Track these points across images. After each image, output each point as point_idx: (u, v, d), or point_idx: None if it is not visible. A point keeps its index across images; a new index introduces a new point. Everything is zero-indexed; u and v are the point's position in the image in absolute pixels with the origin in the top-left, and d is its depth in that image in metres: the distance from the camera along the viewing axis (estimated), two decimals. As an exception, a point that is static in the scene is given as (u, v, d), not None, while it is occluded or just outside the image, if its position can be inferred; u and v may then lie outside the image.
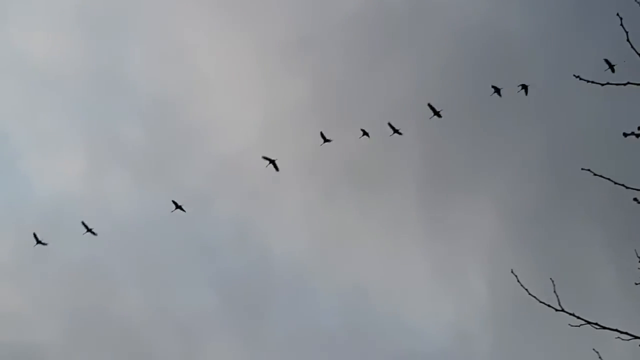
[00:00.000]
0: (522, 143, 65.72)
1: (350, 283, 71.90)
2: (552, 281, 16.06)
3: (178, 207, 53.56)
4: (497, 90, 51.85)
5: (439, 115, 52.67)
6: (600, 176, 15.15)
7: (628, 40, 14.61)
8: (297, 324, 70.86)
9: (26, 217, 70.76)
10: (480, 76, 66.30)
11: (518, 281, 16.24)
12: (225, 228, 69.85)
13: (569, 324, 15.68)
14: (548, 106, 57.50)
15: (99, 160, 76.34)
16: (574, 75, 16.20)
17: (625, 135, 14.26)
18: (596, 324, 15.30)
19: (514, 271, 16.34)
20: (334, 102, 72.56)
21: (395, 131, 53.43)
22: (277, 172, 53.05)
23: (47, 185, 75.22)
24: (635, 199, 14.40)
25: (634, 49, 14.39)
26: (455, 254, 72.66)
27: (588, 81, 15.57)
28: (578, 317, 15.54)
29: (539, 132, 64.43)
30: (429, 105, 52.66)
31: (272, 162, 52.85)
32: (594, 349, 15.56)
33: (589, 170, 15.53)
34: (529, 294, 16.20)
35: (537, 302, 16.40)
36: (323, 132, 53.60)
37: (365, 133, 53.20)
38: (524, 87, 51.53)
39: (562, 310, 15.94)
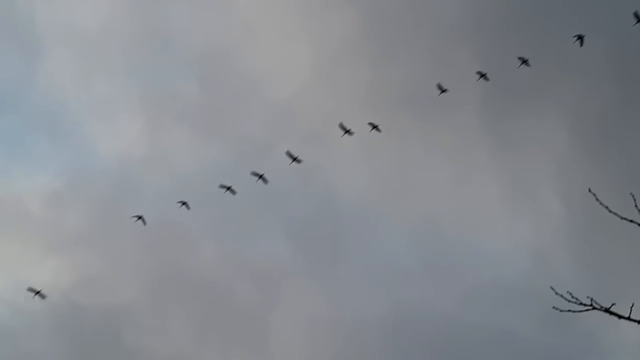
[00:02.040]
0: (588, 48, 62.59)
1: (420, 215, 71.16)
2: (633, 196, 15.26)
3: (260, 177, 53.62)
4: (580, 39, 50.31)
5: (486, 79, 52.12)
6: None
7: None
8: (371, 263, 70.85)
9: (94, 182, 72.35)
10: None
11: (597, 199, 15.46)
12: (287, 174, 69.78)
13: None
14: (613, 9, 54.56)
15: (157, 119, 77.01)
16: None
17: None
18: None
19: (591, 189, 15.57)
20: (385, 32, 70.82)
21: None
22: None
23: (110, 149, 76.47)
24: None
25: None
26: (525, 172, 70.86)
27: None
28: (663, 230, 14.79)
29: (605, 35, 61.24)
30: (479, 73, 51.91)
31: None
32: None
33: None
34: (610, 211, 15.43)
35: (618, 218, 15.61)
36: (343, 124, 53.04)
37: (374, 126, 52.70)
38: (580, 38, 49.60)
39: (645, 224, 15.23)
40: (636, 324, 15.48)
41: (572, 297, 16.21)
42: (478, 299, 65.18)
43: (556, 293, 16.24)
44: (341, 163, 70.03)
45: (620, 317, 15.78)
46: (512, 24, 64.17)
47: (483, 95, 66.73)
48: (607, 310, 15.85)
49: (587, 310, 16.29)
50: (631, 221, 15.30)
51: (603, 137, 65.75)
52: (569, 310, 16.35)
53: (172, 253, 68.66)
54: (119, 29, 78.65)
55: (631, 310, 15.49)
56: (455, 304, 65.53)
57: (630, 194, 15.23)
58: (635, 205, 15.33)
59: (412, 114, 68.74)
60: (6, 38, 78.52)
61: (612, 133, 64.72)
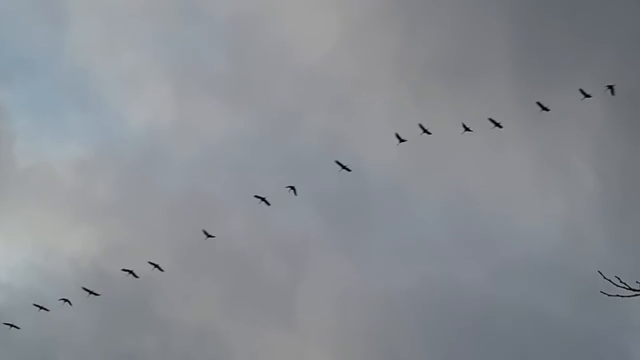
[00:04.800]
0: (625, 19, 60.37)
1: (451, 187, 69.94)
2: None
3: (343, 167, 53.38)
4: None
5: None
6: None
7: None
8: (401, 236, 70.01)
9: (122, 151, 72.26)
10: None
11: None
12: (316, 143, 68.89)
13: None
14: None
15: (185, 87, 76.52)
16: None
17: None
18: None
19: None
20: None
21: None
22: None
23: (138, 118, 76.25)
24: None
25: None
26: (559, 144, 69.13)
27: None
28: None
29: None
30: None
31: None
32: None
33: None
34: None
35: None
36: (398, 134, 52.34)
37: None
38: (610, 87, 48.45)
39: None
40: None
41: (621, 281, 15.39)
42: (509, 275, 64.22)
43: (604, 277, 15.45)
44: (370, 131, 68.95)
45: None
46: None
47: (516, 65, 65.11)
48: (658, 296, 15.01)
49: (636, 295, 15.48)
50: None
51: (641, 109, 63.73)
52: (617, 295, 15.56)
53: (199, 223, 68.43)
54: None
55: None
56: (487, 279, 64.65)
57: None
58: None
59: (443, 83, 67.37)
60: (35, 7, 78.25)
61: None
